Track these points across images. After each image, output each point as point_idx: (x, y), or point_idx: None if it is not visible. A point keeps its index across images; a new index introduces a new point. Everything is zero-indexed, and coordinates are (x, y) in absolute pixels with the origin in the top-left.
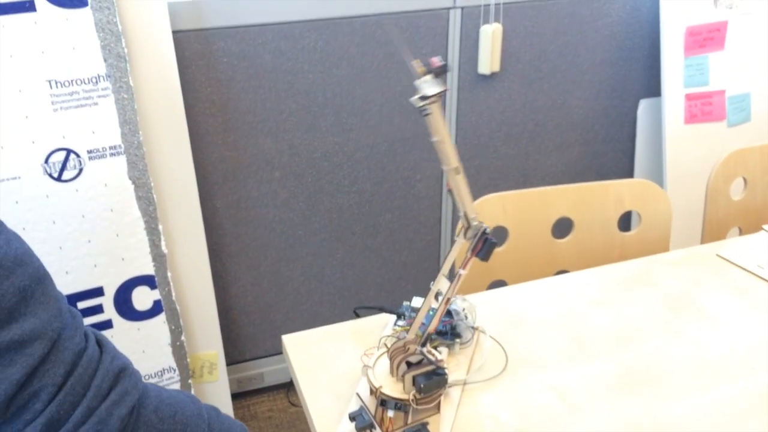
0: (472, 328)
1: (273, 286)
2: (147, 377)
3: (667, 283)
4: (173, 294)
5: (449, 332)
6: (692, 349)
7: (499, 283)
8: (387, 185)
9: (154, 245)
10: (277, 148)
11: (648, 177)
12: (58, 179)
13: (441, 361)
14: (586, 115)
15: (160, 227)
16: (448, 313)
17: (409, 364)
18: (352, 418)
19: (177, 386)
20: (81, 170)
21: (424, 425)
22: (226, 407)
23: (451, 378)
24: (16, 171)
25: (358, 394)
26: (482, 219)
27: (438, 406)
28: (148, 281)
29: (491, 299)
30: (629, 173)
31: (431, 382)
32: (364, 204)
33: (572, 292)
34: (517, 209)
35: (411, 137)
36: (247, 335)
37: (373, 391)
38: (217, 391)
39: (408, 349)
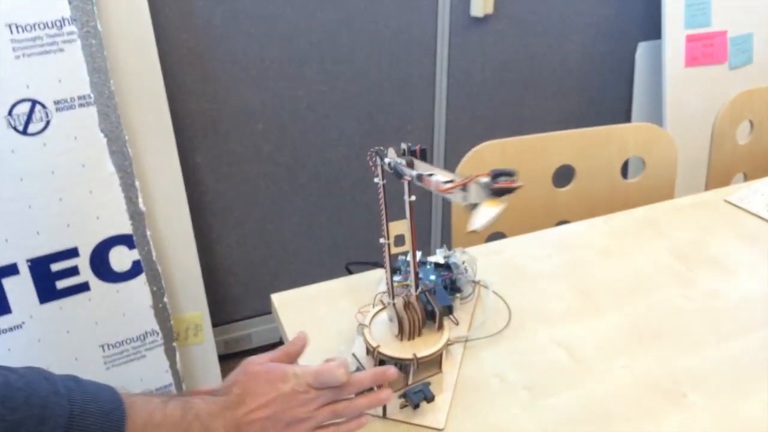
0: (473, 282)
1: (260, 245)
2: (128, 341)
3: (675, 232)
4: (153, 254)
5: (449, 287)
6: (704, 299)
7: (497, 236)
8: (377, 136)
9: (131, 203)
10: (260, 98)
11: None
12: (24, 132)
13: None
14: (582, 60)
15: (137, 183)
16: (447, 267)
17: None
18: None
19: (160, 350)
20: (48, 122)
21: (426, 385)
22: (214, 369)
23: (452, 335)
24: None
25: (354, 355)
26: (480, 167)
27: (440, 365)
28: (125, 241)
29: (491, 252)
30: (627, 119)
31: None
32: (353, 157)
33: (576, 242)
34: (516, 157)
35: (401, 86)
36: (234, 295)
37: (370, 351)
38: (203, 353)
39: (409, 302)
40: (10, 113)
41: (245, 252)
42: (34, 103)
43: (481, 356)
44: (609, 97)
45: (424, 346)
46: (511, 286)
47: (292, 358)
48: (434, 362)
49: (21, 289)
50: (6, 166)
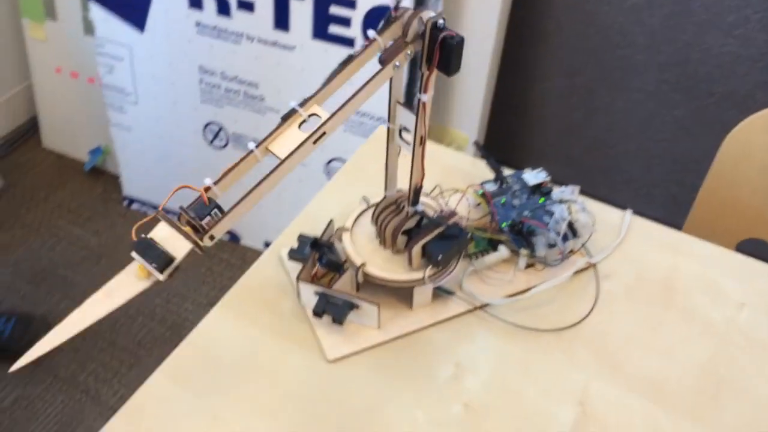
0: (570, 250)
1: (579, 107)
2: (372, 117)
3: None
4: None
5: (525, 234)
6: None
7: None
8: None
9: None
10: None
11: None
12: None
13: (451, 212)
14: None
15: None
16: (548, 214)
17: (408, 235)
18: (300, 239)
19: None
20: None
21: (349, 306)
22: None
23: (479, 291)
24: None
25: (331, 221)
26: (745, 150)
27: (410, 303)
28: None
29: (663, 243)
30: None
31: (450, 250)
32: (745, 59)
33: None
34: None
35: None
36: (514, 143)
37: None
38: None
39: (402, 207)
40: None
41: (555, 111)
42: None
43: (477, 333)
44: None
45: (397, 269)
46: (640, 291)
47: None
48: (404, 294)
49: (301, 15)
50: None
